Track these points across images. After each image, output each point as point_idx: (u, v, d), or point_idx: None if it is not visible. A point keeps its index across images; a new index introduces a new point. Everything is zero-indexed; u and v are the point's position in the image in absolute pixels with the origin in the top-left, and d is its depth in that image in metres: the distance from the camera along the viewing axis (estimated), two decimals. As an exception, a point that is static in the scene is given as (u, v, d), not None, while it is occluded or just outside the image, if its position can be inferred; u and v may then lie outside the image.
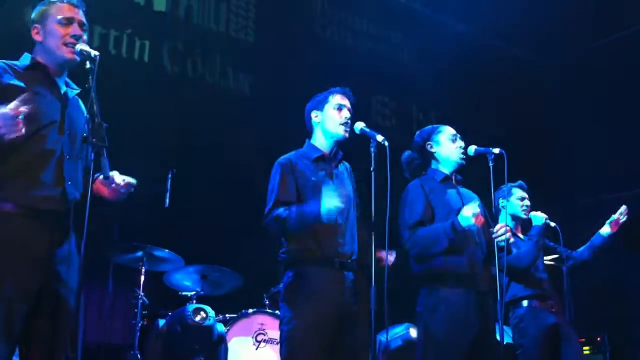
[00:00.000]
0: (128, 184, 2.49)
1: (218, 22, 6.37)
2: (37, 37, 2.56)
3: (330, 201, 2.90)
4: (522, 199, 4.57)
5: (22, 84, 2.43)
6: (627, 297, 7.24)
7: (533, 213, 4.44)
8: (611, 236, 4.58)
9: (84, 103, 2.63)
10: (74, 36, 2.51)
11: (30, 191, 2.35)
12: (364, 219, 3.28)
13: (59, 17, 2.53)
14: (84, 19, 2.59)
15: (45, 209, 2.36)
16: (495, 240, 3.37)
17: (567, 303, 4.36)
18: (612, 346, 6.37)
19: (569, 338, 4.27)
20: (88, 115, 2.44)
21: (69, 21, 2.54)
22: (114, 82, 5.52)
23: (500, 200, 4.57)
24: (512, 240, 3.45)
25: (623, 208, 4.57)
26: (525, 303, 4.33)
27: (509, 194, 4.56)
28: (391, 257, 3.26)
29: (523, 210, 4.54)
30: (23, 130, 2.21)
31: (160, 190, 4.61)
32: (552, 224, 4.43)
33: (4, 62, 2.48)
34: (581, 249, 4.64)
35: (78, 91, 2.62)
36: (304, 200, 3.10)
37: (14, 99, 2.29)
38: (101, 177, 2.44)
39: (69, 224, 2.41)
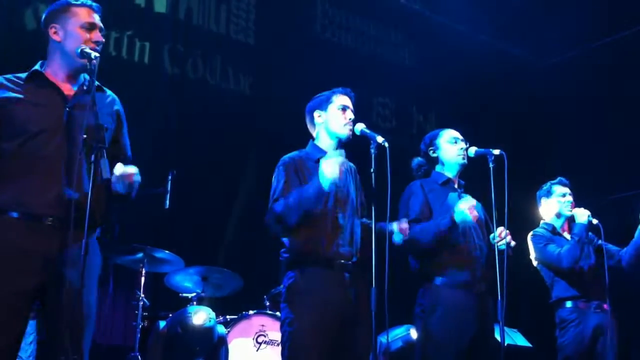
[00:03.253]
0: (125, 175, 2.44)
1: (218, 24, 6.37)
2: (56, 37, 2.54)
3: (329, 168, 2.87)
4: (564, 195, 4.49)
5: (19, 95, 2.45)
6: (627, 297, 7.23)
7: (575, 210, 4.35)
8: None
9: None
10: (97, 42, 2.52)
11: (30, 195, 2.35)
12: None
13: (83, 21, 2.53)
14: (101, 25, 2.61)
15: (45, 213, 2.37)
16: (496, 244, 3.37)
17: (609, 302, 4.28)
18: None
19: (611, 340, 4.22)
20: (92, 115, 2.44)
21: (92, 26, 2.54)
22: (115, 84, 5.54)
23: (543, 199, 4.55)
24: (513, 243, 3.45)
25: None
26: (569, 304, 4.30)
27: (550, 192, 4.53)
28: (403, 223, 3.21)
29: (566, 207, 4.46)
30: None
31: (161, 192, 4.61)
32: (595, 221, 4.30)
33: (4, 77, 2.50)
34: (626, 249, 4.41)
35: (95, 85, 2.61)
36: None
37: (10, 110, 2.37)
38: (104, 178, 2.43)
39: (72, 226, 2.40)
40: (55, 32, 2.55)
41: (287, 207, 2.95)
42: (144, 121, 5.69)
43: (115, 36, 5.68)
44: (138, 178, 2.47)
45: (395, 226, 3.12)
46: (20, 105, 2.43)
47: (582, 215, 4.29)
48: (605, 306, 4.31)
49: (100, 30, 2.57)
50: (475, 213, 3.34)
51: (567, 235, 4.48)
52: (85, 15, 2.55)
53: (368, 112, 7.12)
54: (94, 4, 2.61)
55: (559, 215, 4.52)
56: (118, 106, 2.73)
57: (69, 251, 2.37)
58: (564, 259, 4.21)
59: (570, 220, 4.48)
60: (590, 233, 4.35)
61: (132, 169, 2.45)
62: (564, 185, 4.55)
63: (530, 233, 4.46)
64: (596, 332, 4.25)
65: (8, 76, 2.52)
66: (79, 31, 2.52)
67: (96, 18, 2.57)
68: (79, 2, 2.58)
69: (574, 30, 8.25)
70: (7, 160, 2.37)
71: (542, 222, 4.58)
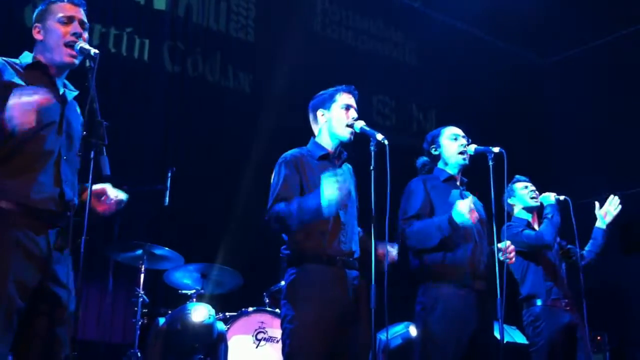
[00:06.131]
0: (119, 201, 2.50)
1: (218, 21, 6.37)
2: (38, 36, 2.55)
3: (329, 190, 2.86)
4: (526, 187, 4.56)
5: (22, 83, 2.42)
6: (626, 297, 7.25)
7: (542, 196, 4.47)
8: (608, 228, 4.56)
9: (79, 105, 2.63)
10: (74, 34, 2.50)
11: (29, 191, 2.35)
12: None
13: (60, 15, 2.52)
14: (84, 18, 2.58)
15: (44, 209, 2.37)
16: (502, 258, 3.37)
17: (583, 301, 4.33)
18: (612, 346, 6.39)
19: (582, 338, 4.27)
20: (83, 118, 2.46)
21: (69, 20, 2.52)
22: (114, 81, 5.54)
23: (510, 200, 4.58)
24: (512, 261, 3.46)
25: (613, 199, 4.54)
26: (539, 301, 4.33)
27: (512, 191, 4.58)
28: (393, 251, 3.23)
29: (532, 197, 4.51)
30: (34, 123, 2.22)
31: (160, 189, 4.61)
32: (562, 197, 4.44)
33: (3, 59, 2.46)
34: (587, 249, 4.59)
35: (76, 93, 2.61)
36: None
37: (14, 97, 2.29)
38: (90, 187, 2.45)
39: (66, 224, 2.40)
40: (38, 32, 2.56)
41: (288, 214, 2.95)
42: (144, 118, 5.71)
43: (115, 33, 5.68)
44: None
45: (388, 248, 3.12)
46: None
47: (549, 196, 4.42)
48: (571, 304, 4.36)
49: (81, 22, 2.56)
50: (476, 215, 3.34)
51: (536, 228, 4.53)
52: (63, 9, 2.54)
53: (368, 109, 7.13)
54: None
55: (528, 209, 4.57)
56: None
57: (62, 248, 2.39)
58: (545, 235, 4.27)
59: (539, 212, 4.55)
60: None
61: (124, 195, 2.52)
62: (523, 181, 4.63)
63: (505, 225, 4.47)
64: (570, 327, 4.28)
65: (7, 59, 2.49)
66: (57, 26, 2.52)
67: (76, 11, 2.56)
68: None
69: (574, 30, 8.26)
70: (13, 150, 2.34)
71: (512, 218, 4.63)
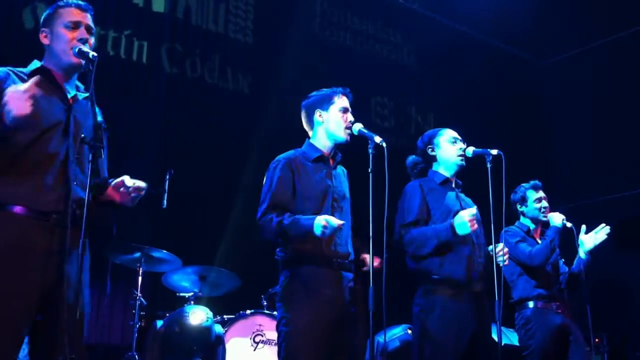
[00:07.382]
0: (137, 188, 2.48)
1: (217, 23, 6.37)
2: (45, 41, 2.58)
3: (324, 222, 2.87)
4: (539, 200, 4.50)
5: None
6: (626, 298, 7.24)
7: (551, 215, 4.39)
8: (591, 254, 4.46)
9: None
10: (80, 40, 2.52)
11: (36, 193, 2.37)
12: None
13: (67, 20, 2.55)
14: (91, 23, 2.61)
15: (51, 210, 2.38)
16: (494, 258, 3.36)
17: (583, 304, 4.30)
18: (611, 347, 6.38)
19: (576, 339, 4.26)
20: (98, 119, 2.49)
21: (76, 25, 2.55)
22: (113, 83, 5.54)
23: (519, 206, 4.55)
24: (506, 263, 3.46)
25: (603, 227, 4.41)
26: (531, 304, 4.31)
27: (525, 199, 4.54)
28: (376, 262, 3.22)
29: (542, 212, 4.47)
30: (29, 110, 2.27)
31: (159, 191, 4.61)
32: (569, 225, 4.35)
33: (9, 69, 2.50)
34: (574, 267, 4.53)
35: (87, 94, 2.62)
36: (302, 197, 3.09)
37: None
38: (112, 182, 2.48)
39: (75, 224, 2.40)
40: (45, 36, 2.58)
41: (282, 234, 2.97)
42: (142, 120, 5.70)
43: (113, 36, 5.68)
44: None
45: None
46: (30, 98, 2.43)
47: (557, 218, 4.33)
48: (563, 307, 4.33)
49: (88, 28, 2.58)
50: (476, 226, 3.33)
51: (539, 241, 4.49)
52: (69, 14, 2.57)
53: (366, 111, 7.12)
54: (81, 3, 2.61)
55: (534, 221, 4.54)
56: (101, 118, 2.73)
57: (68, 249, 2.39)
58: (536, 257, 4.24)
59: (544, 225, 4.50)
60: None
61: (143, 184, 2.50)
62: (538, 189, 4.55)
63: (504, 230, 4.44)
64: (562, 329, 4.26)
65: (12, 68, 2.52)
66: (63, 31, 2.54)
67: (83, 16, 2.58)
68: (64, 3, 2.60)
69: (574, 30, 8.27)
70: (17, 155, 2.38)
71: (517, 222, 4.59)
